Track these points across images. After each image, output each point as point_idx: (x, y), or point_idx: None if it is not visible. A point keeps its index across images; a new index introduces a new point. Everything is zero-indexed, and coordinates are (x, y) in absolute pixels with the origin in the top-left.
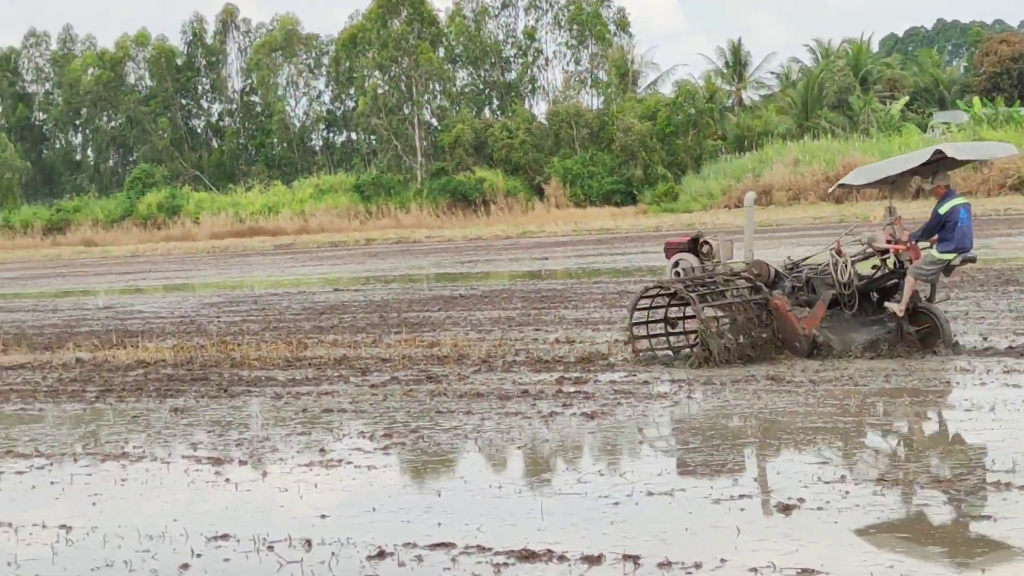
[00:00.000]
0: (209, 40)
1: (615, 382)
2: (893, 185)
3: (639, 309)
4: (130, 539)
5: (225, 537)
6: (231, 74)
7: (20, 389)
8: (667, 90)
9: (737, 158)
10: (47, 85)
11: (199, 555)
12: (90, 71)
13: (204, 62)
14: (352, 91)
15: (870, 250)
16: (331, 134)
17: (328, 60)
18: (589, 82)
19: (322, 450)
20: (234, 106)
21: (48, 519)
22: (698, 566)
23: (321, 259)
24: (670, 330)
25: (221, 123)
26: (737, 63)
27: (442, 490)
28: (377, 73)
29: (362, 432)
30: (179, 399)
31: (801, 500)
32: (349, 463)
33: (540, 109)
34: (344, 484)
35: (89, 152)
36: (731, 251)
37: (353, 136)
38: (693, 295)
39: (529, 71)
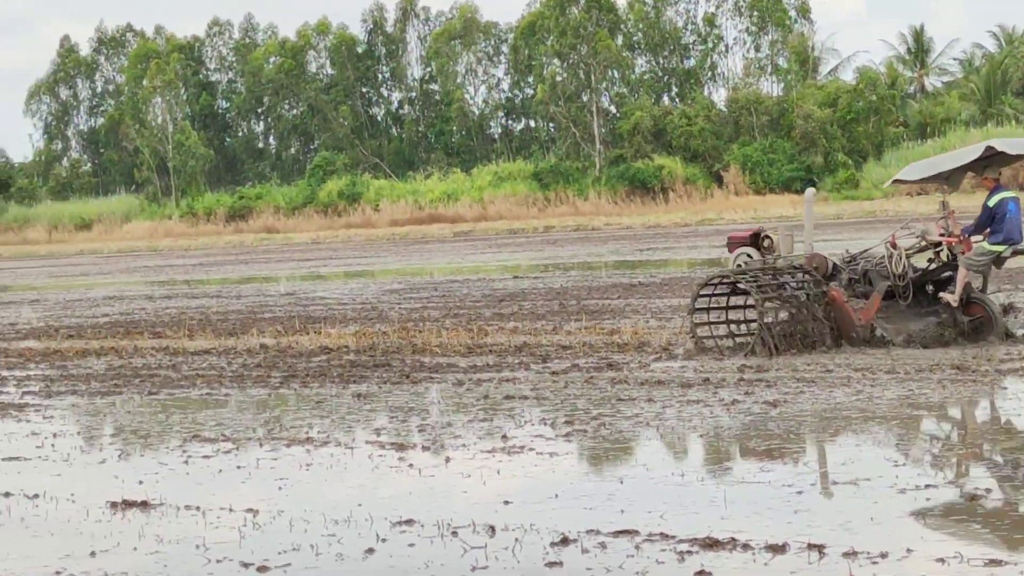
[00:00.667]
0: (389, 28)
1: (797, 370)
2: (947, 180)
3: (699, 306)
4: (316, 523)
5: (409, 522)
6: (410, 62)
7: (206, 374)
8: (848, 76)
9: (919, 145)
10: (230, 74)
11: (384, 540)
12: (272, 60)
13: (384, 50)
14: (531, 79)
15: (924, 243)
16: (510, 122)
17: (507, 48)
18: (769, 69)
19: (504, 436)
20: (413, 94)
21: (235, 503)
22: (884, 556)
23: (500, 246)
24: (730, 319)
25: (401, 111)
26: (919, 49)
27: (624, 477)
28: (556, 61)
29: (543, 419)
30: (362, 385)
31: (988, 491)
32: (531, 450)
33: (719, 96)
34: (526, 470)
35: (271, 140)
36: (791, 245)
37: (532, 123)
38: (752, 285)
39: (709, 58)
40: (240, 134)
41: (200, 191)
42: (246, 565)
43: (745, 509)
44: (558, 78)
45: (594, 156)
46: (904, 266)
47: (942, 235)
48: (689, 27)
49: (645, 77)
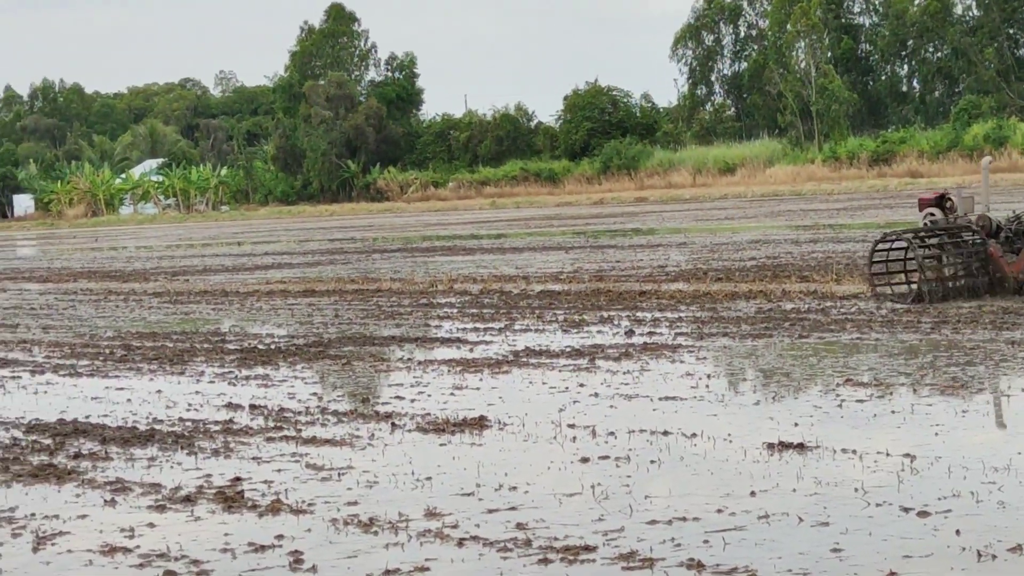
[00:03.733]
0: None
1: None
2: None
3: (878, 256)
4: (974, 470)
5: None
6: None
7: (855, 319)
8: None
9: None
10: (874, 17)
11: None
12: (917, 2)
13: None
14: None
15: None
16: None
17: None
18: None
19: None
20: None
21: (891, 448)
22: None
23: None
24: (908, 271)
25: None
26: None
27: None
28: None
29: None
30: (1015, 332)
31: None
32: None
33: None
34: None
35: (915, 83)
36: (971, 206)
37: None
38: (914, 241)
39: None
40: (883, 78)
41: (843, 135)
42: (906, 510)
43: None
44: None
45: None
46: None
47: None
48: None
49: None
